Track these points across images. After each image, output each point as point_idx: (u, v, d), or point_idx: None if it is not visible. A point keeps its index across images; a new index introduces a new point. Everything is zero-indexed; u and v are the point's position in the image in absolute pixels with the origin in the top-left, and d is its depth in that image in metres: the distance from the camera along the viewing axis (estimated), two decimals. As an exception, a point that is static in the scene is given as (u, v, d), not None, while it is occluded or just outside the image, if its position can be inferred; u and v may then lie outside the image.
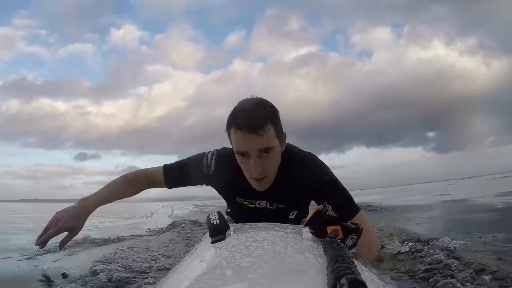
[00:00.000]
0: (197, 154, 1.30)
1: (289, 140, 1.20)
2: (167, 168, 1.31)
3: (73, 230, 1.17)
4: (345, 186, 1.22)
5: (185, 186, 1.34)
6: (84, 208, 1.22)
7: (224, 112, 1.12)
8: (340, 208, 1.09)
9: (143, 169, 1.37)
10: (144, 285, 1.16)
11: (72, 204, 1.25)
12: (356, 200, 1.22)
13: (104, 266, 1.49)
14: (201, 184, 1.32)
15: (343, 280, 0.38)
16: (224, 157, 1.23)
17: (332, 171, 1.23)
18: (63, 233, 1.16)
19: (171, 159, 1.39)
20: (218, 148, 1.29)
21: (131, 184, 1.34)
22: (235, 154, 1.11)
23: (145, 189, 1.36)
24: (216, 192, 1.36)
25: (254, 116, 1.02)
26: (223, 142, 1.23)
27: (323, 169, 1.21)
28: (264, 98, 1.12)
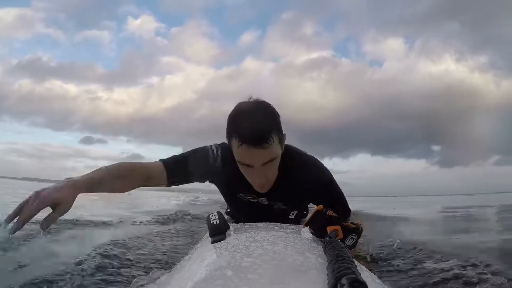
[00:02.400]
0: (198, 147, 1.21)
1: (294, 142, 1.18)
2: (167, 162, 1.15)
3: (59, 205, 0.86)
4: (343, 191, 1.21)
5: (186, 183, 1.20)
6: (73, 185, 0.91)
7: (233, 108, 1.07)
8: (334, 209, 1.09)
9: (140, 163, 1.15)
10: (144, 285, 1.16)
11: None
12: (356, 206, 1.23)
13: (97, 261, 1.46)
14: (204, 181, 1.24)
15: (344, 280, 0.38)
16: (229, 151, 1.14)
17: (332, 174, 1.22)
18: (45, 210, 0.85)
19: (176, 150, 1.28)
20: (218, 143, 1.23)
21: (127, 176, 1.10)
22: (237, 162, 1.06)
23: (139, 186, 1.14)
24: (217, 188, 1.32)
25: (258, 128, 0.97)
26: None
27: (324, 172, 1.21)
28: (263, 100, 1.07)
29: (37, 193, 0.84)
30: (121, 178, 1.08)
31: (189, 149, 1.23)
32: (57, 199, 0.85)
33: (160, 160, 1.17)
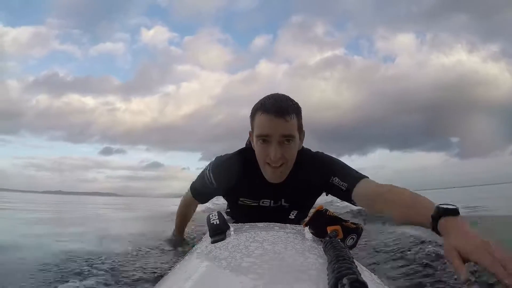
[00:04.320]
0: (201, 171, 1.36)
1: (312, 140, 1.21)
2: (193, 191, 1.44)
3: None
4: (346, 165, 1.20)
5: (210, 199, 1.46)
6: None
7: (249, 111, 1.15)
8: (342, 177, 1.11)
9: (185, 197, 1.53)
10: (144, 285, 1.16)
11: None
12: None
13: (97, 263, 1.48)
14: (215, 196, 1.41)
15: (344, 280, 0.38)
16: (220, 165, 1.26)
17: (338, 160, 1.23)
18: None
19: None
20: (210, 164, 1.32)
21: (190, 210, 1.62)
22: (255, 139, 1.09)
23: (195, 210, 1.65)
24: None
25: (281, 103, 1.06)
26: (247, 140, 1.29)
27: (331, 161, 1.21)
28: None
29: None
30: (188, 212, 1.64)
31: (208, 154, 1.50)
32: None
33: (190, 186, 1.45)
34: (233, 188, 1.24)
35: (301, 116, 1.13)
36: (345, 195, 1.10)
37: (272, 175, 1.11)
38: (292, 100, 1.11)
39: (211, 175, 1.26)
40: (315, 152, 1.27)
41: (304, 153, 1.22)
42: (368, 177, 1.11)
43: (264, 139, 1.06)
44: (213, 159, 1.34)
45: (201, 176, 1.33)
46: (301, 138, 1.16)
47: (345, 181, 1.10)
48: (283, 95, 1.13)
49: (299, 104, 1.14)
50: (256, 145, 1.10)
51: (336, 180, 1.12)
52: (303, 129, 1.16)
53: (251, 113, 1.11)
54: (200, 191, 1.39)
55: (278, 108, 1.03)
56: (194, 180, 1.44)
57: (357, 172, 1.15)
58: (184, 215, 1.65)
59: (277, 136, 1.04)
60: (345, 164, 1.20)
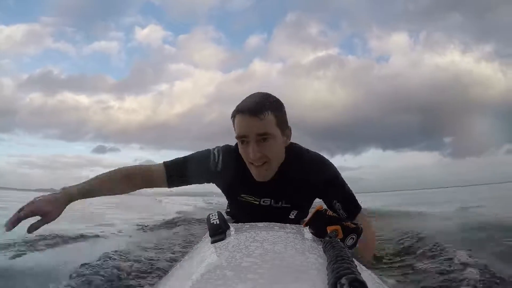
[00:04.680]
0: (201, 151, 1.24)
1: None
2: (168, 164, 1.20)
3: (47, 214, 0.98)
4: (351, 189, 1.24)
5: (187, 184, 1.24)
6: (65, 195, 1.04)
7: None
8: (344, 206, 1.17)
9: (141, 165, 1.22)
10: (143, 285, 1.16)
11: None
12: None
13: (92, 264, 1.48)
14: (204, 182, 1.26)
15: (343, 280, 0.38)
16: (230, 152, 1.21)
17: (338, 171, 1.24)
18: (36, 217, 0.97)
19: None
20: (221, 146, 1.26)
21: (125, 180, 1.16)
22: (236, 140, 1.11)
23: (140, 188, 1.20)
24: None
25: (255, 102, 1.07)
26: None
27: (330, 167, 1.22)
28: (271, 93, 1.15)
29: (31, 202, 0.97)
30: (122, 180, 1.15)
31: None
32: (44, 211, 0.98)
33: (164, 162, 1.20)
34: (236, 180, 1.21)
35: (281, 112, 1.12)
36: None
37: (257, 174, 1.12)
38: (269, 98, 1.11)
39: (220, 157, 1.19)
40: (314, 152, 1.26)
41: (296, 149, 1.22)
42: (361, 210, 1.22)
43: (243, 139, 1.08)
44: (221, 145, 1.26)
45: (203, 155, 1.21)
46: (286, 134, 1.14)
47: (346, 211, 1.17)
48: (261, 94, 1.12)
49: (280, 101, 1.13)
50: (239, 146, 1.12)
51: (337, 205, 1.18)
52: (289, 125, 1.15)
53: (231, 116, 1.11)
54: (191, 169, 1.19)
55: (252, 108, 1.04)
56: (174, 159, 1.23)
57: (355, 200, 1.22)
58: (115, 183, 1.15)
59: (253, 135, 1.05)
60: (347, 186, 1.22)
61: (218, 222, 0.84)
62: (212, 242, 0.77)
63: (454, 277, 1.46)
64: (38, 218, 0.96)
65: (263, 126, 1.04)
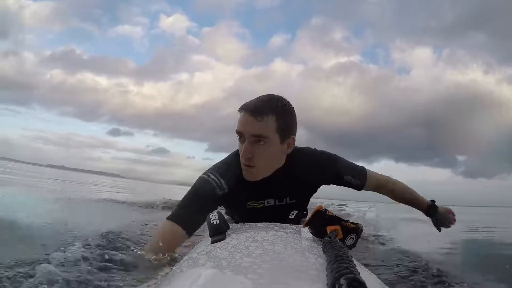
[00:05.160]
0: (195, 185, 1.16)
1: (319, 143, 1.21)
2: (177, 218, 1.10)
3: None
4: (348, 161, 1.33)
5: (203, 222, 1.05)
6: None
7: None
8: (353, 175, 1.28)
9: (152, 240, 1.14)
10: (144, 285, 1.15)
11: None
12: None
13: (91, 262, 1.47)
14: (214, 209, 1.13)
15: (342, 280, 0.38)
16: (227, 170, 1.17)
17: (336, 155, 1.29)
18: None
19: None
20: (209, 170, 1.19)
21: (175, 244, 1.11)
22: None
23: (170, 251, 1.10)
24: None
25: (259, 103, 1.06)
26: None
27: (333, 164, 1.25)
28: (284, 97, 1.12)
29: None
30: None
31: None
32: None
33: (169, 218, 1.11)
34: (241, 193, 1.16)
35: (287, 118, 1.08)
36: (358, 188, 1.32)
37: (245, 173, 1.12)
38: (278, 101, 1.07)
39: (221, 180, 1.12)
40: (314, 149, 1.28)
41: (300, 153, 1.21)
42: (365, 168, 1.34)
43: (240, 136, 1.09)
44: (206, 169, 1.19)
45: (204, 186, 1.13)
46: (288, 142, 1.10)
47: (357, 178, 1.29)
48: (271, 96, 1.10)
49: (291, 106, 1.10)
50: (238, 142, 1.13)
51: (349, 178, 1.27)
52: (292, 135, 1.11)
53: (238, 110, 1.10)
54: (200, 204, 1.11)
55: (253, 107, 1.04)
56: (175, 210, 1.13)
57: (355, 164, 1.34)
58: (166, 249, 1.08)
59: (248, 134, 1.05)
60: (345, 160, 1.31)
61: (218, 222, 0.85)
62: (212, 242, 0.77)
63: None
64: None
65: (259, 128, 1.03)
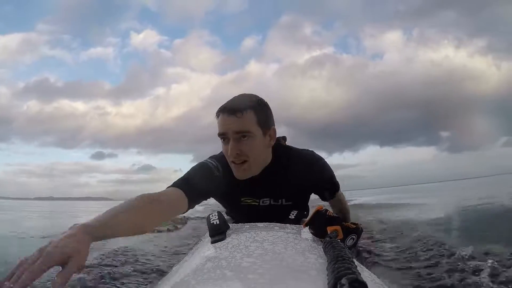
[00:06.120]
0: (196, 165, 1.18)
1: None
2: (182, 186, 1.04)
3: (72, 258, 0.64)
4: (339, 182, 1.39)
5: (204, 199, 1.14)
6: (84, 228, 0.71)
7: None
8: (331, 190, 1.35)
9: (153, 193, 0.96)
10: (144, 286, 1.16)
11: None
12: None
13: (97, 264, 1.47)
14: (215, 194, 1.20)
15: (344, 280, 0.38)
16: (221, 156, 1.21)
17: (325, 161, 1.30)
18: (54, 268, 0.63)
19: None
20: (210, 156, 1.24)
21: (147, 208, 0.88)
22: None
23: (162, 220, 1.00)
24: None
25: (235, 101, 1.11)
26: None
27: (323, 165, 1.26)
28: (257, 95, 1.17)
29: (41, 250, 0.64)
30: (141, 210, 0.86)
31: (200, 155, 1.30)
32: (66, 254, 0.64)
33: (172, 184, 1.06)
34: (234, 185, 1.19)
35: (264, 111, 1.13)
36: (326, 199, 1.39)
37: (236, 172, 1.13)
38: (251, 97, 1.13)
39: (218, 164, 1.16)
40: (303, 149, 1.29)
41: (288, 149, 1.25)
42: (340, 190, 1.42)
43: (223, 138, 1.11)
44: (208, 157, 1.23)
45: (203, 166, 1.16)
46: (270, 134, 1.15)
47: (331, 195, 1.38)
48: (244, 94, 1.17)
49: (265, 101, 1.15)
50: (222, 145, 1.14)
51: (327, 194, 1.36)
52: (273, 126, 1.16)
53: (215, 116, 1.12)
54: (202, 179, 1.09)
55: (230, 107, 1.07)
56: (182, 176, 1.11)
57: (337, 182, 1.37)
58: (141, 212, 0.85)
59: (231, 133, 1.07)
60: (333, 173, 1.33)
61: (218, 222, 0.84)
62: (212, 242, 0.77)
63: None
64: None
65: (241, 124, 1.06)
